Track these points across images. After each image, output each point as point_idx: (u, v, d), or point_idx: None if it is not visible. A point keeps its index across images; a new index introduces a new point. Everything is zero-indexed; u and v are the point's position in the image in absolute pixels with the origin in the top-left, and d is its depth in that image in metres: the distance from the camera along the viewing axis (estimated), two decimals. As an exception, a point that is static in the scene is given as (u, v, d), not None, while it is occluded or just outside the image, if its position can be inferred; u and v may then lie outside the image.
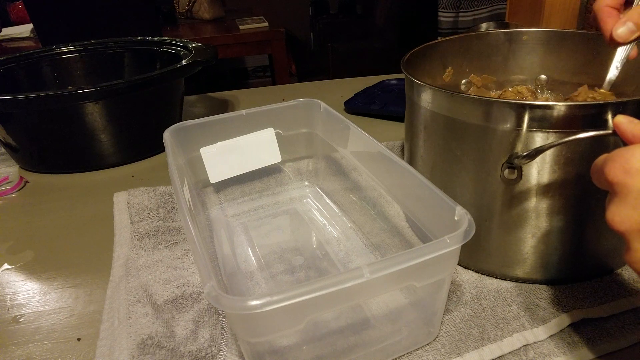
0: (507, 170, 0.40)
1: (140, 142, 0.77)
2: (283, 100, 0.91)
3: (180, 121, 0.54)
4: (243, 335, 0.32)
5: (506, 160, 0.39)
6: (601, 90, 0.45)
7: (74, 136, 0.71)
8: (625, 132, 0.30)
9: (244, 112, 0.55)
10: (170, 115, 0.81)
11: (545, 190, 0.40)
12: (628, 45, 0.41)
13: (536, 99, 0.54)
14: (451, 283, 0.44)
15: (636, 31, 0.39)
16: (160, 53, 0.90)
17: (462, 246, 0.33)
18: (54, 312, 0.46)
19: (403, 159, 0.44)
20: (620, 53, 0.42)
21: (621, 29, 0.39)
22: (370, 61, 2.48)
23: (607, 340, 0.39)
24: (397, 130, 0.79)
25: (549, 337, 0.39)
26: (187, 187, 0.46)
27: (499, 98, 0.54)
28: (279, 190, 0.62)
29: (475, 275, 0.46)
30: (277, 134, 0.57)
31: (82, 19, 1.50)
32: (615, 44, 0.39)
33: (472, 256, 0.46)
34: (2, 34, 2.05)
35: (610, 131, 0.33)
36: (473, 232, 0.33)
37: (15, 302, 0.48)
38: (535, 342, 0.39)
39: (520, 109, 0.37)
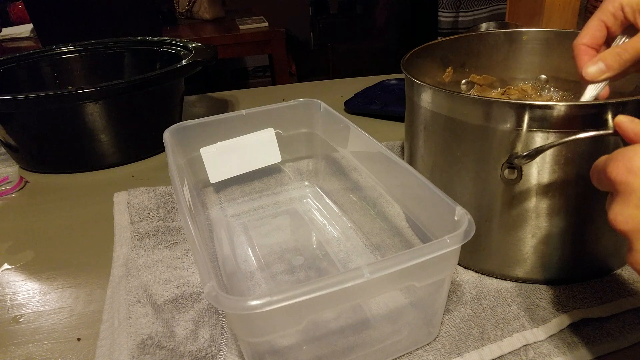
0: (507, 170, 0.40)
1: (140, 142, 0.77)
2: (283, 100, 0.91)
3: (180, 121, 0.54)
4: (243, 335, 0.32)
5: (506, 160, 0.39)
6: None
7: (74, 136, 0.71)
8: (627, 131, 0.30)
9: (244, 112, 0.55)
10: (170, 115, 0.81)
11: (545, 190, 0.40)
12: (599, 85, 0.40)
13: (540, 97, 0.54)
14: (451, 283, 0.44)
15: (606, 71, 0.38)
16: (160, 53, 0.90)
17: (462, 246, 0.33)
18: (54, 312, 0.46)
19: (403, 159, 0.44)
20: (590, 91, 0.40)
21: (592, 68, 0.39)
22: (370, 61, 2.48)
23: (607, 340, 0.39)
24: (397, 130, 0.79)
25: (549, 337, 0.39)
26: (187, 187, 0.46)
27: (502, 95, 0.54)
28: (279, 190, 0.62)
29: (475, 275, 0.46)
30: (277, 134, 0.57)
31: (82, 19, 1.50)
32: (585, 82, 0.40)
33: (472, 256, 0.46)
34: (2, 34, 2.05)
35: (610, 131, 0.33)
36: (473, 232, 0.33)
37: (15, 302, 0.48)
38: (535, 342, 0.39)
39: (520, 109, 0.37)
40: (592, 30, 0.40)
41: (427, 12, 2.05)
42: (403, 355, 0.38)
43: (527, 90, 0.54)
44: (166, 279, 0.47)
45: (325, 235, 0.54)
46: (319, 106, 0.57)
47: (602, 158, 0.29)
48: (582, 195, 0.40)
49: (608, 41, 0.40)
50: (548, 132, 0.37)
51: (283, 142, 0.58)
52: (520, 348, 0.38)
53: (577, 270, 0.44)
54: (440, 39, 0.57)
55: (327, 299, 0.30)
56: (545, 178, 0.39)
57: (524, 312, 0.41)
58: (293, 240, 0.53)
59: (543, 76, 0.56)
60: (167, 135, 0.51)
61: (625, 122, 0.30)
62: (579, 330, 0.40)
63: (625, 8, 0.38)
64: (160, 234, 0.54)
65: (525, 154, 0.37)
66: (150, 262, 0.49)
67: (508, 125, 0.38)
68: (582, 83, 0.41)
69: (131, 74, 0.94)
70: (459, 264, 0.47)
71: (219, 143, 0.55)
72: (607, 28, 0.40)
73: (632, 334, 0.39)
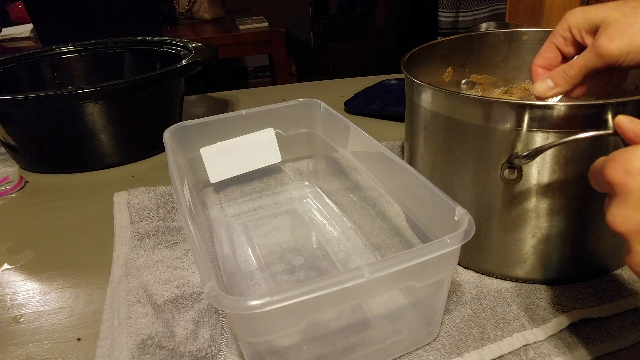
0: (507, 170, 0.40)
1: (140, 142, 0.77)
2: (283, 100, 0.91)
3: (180, 121, 0.54)
4: (243, 335, 0.32)
5: (506, 160, 0.39)
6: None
7: (74, 136, 0.71)
8: (627, 131, 0.30)
9: (244, 112, 0.55)
10: (170, 115, 0.81)
11: (545, 190, 0.40)
12: (553, 100, 0.41)
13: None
14: (451, 283, 0.44)
15: (554, 88, 0.40)
16: (160, 53, 0.90)
17: (462, 246, 0.33)
18: (54, 312, 0.46)
19: (403, 159, 0.44)
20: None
21: (540, 85, 0.41)
22: (370, 61, 2.48)
23: (607, 340, 0.39)
24: (397, 130, 0.79)
25: (549, 337, 0.39)
26: (187, 187, 0.46)
27: (504, 94, 0.54)
28: (279, 190, 0.62)
29: (475, 275, 0.46)
30: (277, 134, 0.57)
31: (82, 19, 1.50)
32: (537, 99, 0.41)
33: (472, 256, 0.46)
34: (2, 34, 2.05)
35: (610, 131, 0.33)
36: (473, 232, 0.33)
37: (15, 302, 0.48)
38: (535, 342, 0.39)
39: (520, 109, 0.37)
40: (544, 53, 0.42)
41: (427, 12, 2.06)
42: (403, 355, 0.38)
43: (529, 89, 0.54)
44: (166, 279, 0.47)
45: (325, 235, 0.54)
46: (319, 106, 0.57)
47: (600, 159, 0.29)
48: (582, 195, 0.40)
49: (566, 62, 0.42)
50: (548, 132, 0.37)
51: (283, 142, 0.58)
52: (520, 348, 0.38)
53: (577, 270, 0.44)
54: (440, 39, 0.57)
55: (327, 299, 0.30)
56: (545, 178, 0.39)
57: (524, 312, 0.41)
58: (293, 240, 0.53)
59: (543, 76, 0.56)
60: (167, 135, 0.51)
61: (625, 122, 0.30)
62: (579, 330, 0.40)
63: (573, 29, 0.40)
64: (160, 234, 0.54)
65: (525, 154, 0.37)
66: (150, 262, 0.49)
67: (508, 125, 0.38)
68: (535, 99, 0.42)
69: (131, 74, 0.94)
70: (459, 264, 0.47)
71: (219, 143, 0.55)
72: (559, 50, 0.41)
73: (632, 334, 0.39)
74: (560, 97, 0.42)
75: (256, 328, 0.31)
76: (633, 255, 0.27)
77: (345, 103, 0.88)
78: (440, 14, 1.74)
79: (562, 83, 0.40)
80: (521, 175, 0.40)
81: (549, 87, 0.40)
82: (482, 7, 1.69)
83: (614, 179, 0.27)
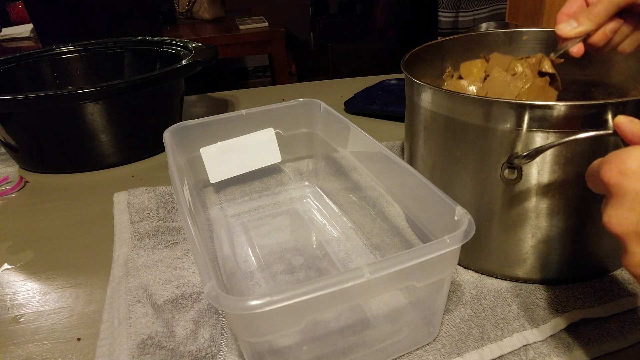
0: (507, 170, 0.40)
1: (140, 142, 0.77)
2: (283, 100, 0.91)
3: (180, 121, 0.54)
4: (243, 335, 0.32)
5: (506, 160, 0.39)
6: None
7: (74, 136, 0.71)
8: (625, 131, 0.30)
9: (244, 112, 0.55)
10: (170, 115, 0.81)
11: (545, 190, 0.40)
12: (571, 42, 0.42)
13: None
14: (451, 283, 0.44)
15: (577, 27, 0.41)
16: (160, 53, 0.90)
17: (462, 246, 0.33)
18: (54, 312, 0.46)
19: (403, 159, 0.44)
20: (561, 46, 0.43)
21: (563, 24, 0.42)
22: (370, 61, 2.48)
23: (607, 340, 0.39)
24: (397, 130, 0.79)
25: (549, 337, 0.39)
26: (187, 187, 0.46)
27: (521, 59, 0.53)
28: (279, 190, 0.62)
29: (475, 275, 0.46)
30: (277, 134, 0.57)
31: (82, 19, 1.50)
32: (560, 40, 0.42)
33: (472, 256, 0.46)
34: (2, 34, 2.05)
35: (610, 131, 0.33)
36: (473, 232, 0.33)
37: (15, 302, 0.48)
38: (535, 342, 0.39)
39: (520, 108, 0.37)
40: (570, 3, 0.42)
41: (427, 12, 2.06)
42: (403, 355, 0.38)
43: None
44: (166, 279, 0.47)
45: (325, 235, 0.54)
46: (319, 106, 0.57)
47: (597, 161, 0.29)
48: (582, 195, 0.40)
49: None
50: (548, 132, 0.37)
51: (283, 142, 0.58)
52: (520, 348, 0.38)
53: (577, 270, 0.44)
54: (440, 39, 0.57)
55: (327, 299, 0.30)
56: (545, 178, 0.39)
57: (523, 312, 0.41)
58: (293, 240, 0.53)
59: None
60: (167, 135, 0.51)
61: (624, 122, 0.30)
62: (579, 330, 0.40)
63: None
64: (160, 234, 0.54)
65: (525, 154, 0.37)
66: (150, 262, 0.49)
67: (508, 125, 0.38)
68: (558, 43, 0.43)
69: (131, 74, 0.94)
70: (459, 264, 0.47)
71: (219, 143, 0.55)
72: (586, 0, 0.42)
73: (632, 334, 0.39)
74: (581, 39, 0.42)
75: (256, 328, 0.31)
76: (629, 256, 0.27)
77: (345, 103, 0.88)
78: (440, 14, 1.74)
79: (585, 22, 0.40)
80: (521, 175, 0.40)
81: (573, 27, 0.41)
82: (482, 7, 1.69)
83: (609, 180, 0.27)
